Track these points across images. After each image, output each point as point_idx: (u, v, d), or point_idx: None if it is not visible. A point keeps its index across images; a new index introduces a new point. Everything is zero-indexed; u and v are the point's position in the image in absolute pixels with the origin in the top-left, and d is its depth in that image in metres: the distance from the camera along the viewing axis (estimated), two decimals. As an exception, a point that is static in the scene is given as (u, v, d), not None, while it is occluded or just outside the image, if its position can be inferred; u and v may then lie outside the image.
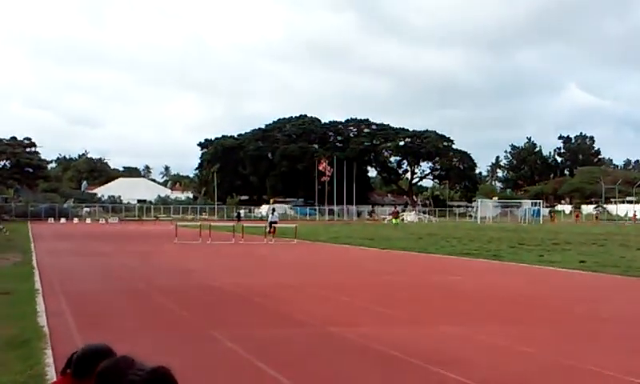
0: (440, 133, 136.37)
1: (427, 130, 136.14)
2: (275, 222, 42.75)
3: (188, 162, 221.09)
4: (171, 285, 16.34)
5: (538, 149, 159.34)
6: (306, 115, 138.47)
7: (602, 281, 18.38)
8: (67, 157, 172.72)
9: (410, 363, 8.05)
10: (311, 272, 20.47)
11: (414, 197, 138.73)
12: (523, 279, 18.86)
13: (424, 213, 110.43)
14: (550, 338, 9.88)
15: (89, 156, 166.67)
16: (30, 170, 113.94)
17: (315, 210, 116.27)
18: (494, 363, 8.21)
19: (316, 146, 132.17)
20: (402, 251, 29.60)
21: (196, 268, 21.19)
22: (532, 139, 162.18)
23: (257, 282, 17.31)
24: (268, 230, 40.67)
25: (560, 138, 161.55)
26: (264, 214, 44.39)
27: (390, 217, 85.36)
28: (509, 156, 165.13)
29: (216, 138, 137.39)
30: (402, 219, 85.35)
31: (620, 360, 8.36)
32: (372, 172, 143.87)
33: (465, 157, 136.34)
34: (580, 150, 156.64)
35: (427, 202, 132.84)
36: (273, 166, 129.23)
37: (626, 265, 21.86)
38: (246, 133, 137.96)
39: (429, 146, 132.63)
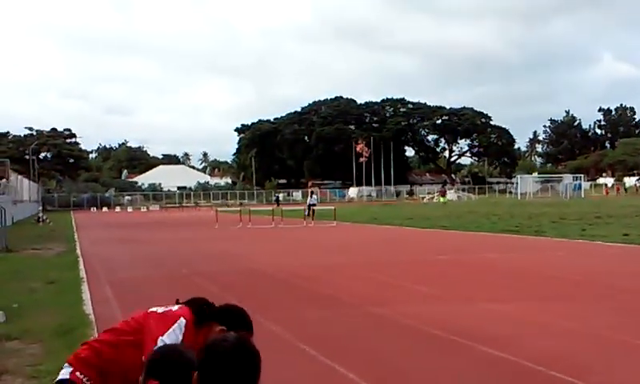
0: (477, 109, 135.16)
1: (464, 107, 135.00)
2: (314, 205, 42.83)
3: (226, 148, 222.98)
4: (213, 269, 16.47)
5: (577, 122, 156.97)
6: (341, 97, 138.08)
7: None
8: (107, 146, 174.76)
9: (453, 341, 8.03)
10: (351, 253, 20.46)
11: (453, 175, 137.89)
12: (565, 254, 18.67)
13: (463, 191, 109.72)
14: (593, 313, 9.77)
15: (128, 145, 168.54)
16: (72, 161, 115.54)
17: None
18: (536, 340, 8.14)
19: (352, 127, 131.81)
20: (442, 230, 29.47)
21: (237, 252, 21.34)
22: (571, 112, 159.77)
23: (297, 263, 17.39)
24: (307, 212, 40.76)
25: (600, 110, 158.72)
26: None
27: (437, 195, 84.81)
28: (548, 130, 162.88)
29: (252, 123, 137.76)
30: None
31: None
32: (409, 151, 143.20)
33: (503, 133, 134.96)
34: (621, 122, 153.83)
35: (466, 179, 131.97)
36: (310, 149, 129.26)
37: (671, 236, 21.55)
38: (281, 117, 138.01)
39: (466, 123, 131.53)
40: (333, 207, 41.55)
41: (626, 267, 15.50)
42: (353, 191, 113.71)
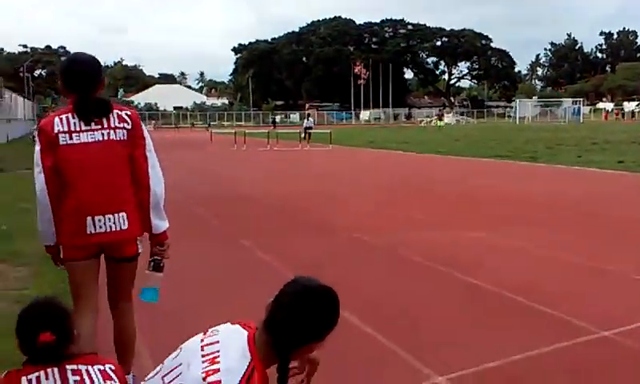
0: (478, 31, 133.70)
1: (465, 29, 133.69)
2: (310, 128, 42.62)
3: (223, 69, 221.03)
4: (205, 194, 16.39)
5: (578, 46, 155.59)
6: (340, 17, 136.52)
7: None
8: (103, 64, 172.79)
9: (432, 269, 8.01)
10: (344, 178, 20.39)
11: (452, 98, 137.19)
12: (558, 181, 18.62)
13: (462, 114, 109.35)
14: (577, 241, 9.74)
15: (124, 63, 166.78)
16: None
17: (351, 114, 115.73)
18: (516, 268, 8.12)
19: (351, 48, 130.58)
20: (437, 155, 29.39)
21: (229, 176, 21.27)
22: (572, 36, 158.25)
23: (289, 189, 17.30)
24: (303, 135, 40.60)
25: (601, 34, 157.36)
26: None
27: (435, 118, 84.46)
28: (549, 53, 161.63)
29: (250, 43, 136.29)
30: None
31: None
32: (408, 74, 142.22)
33: (504, 55, 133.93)
34: (622, 46, 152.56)
35: (465, 103, 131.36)
36: (308, 70, 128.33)
37: (667, 164, 21.48)
38: (279, 37, 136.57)
39: (466, 45, 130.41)
40: (329, 130, 41.33)
41: (617, 195, 15.45)
42: (365, 114, 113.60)
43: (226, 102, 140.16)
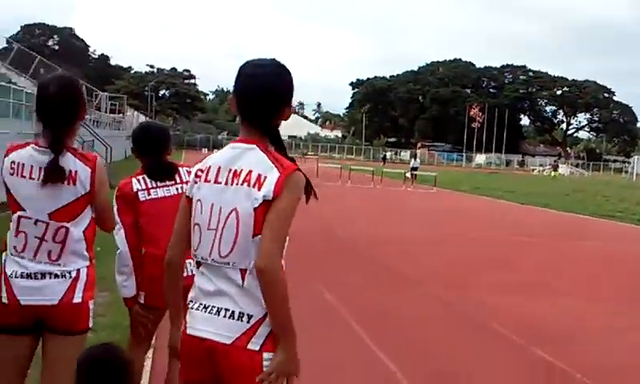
0: (601, 83, 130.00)
1: (587, 80, 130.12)
2: (416, 168, 42.31)
3: (340, 101, 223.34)
4: (291, 228, 16.42)
5: None
6: (460, 59, 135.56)
7: None
8: (224, 89, 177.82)
9: (509, 340, 7.65)
10: (440, 225, 20.06)
11: (568, 148, 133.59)
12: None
13: (577, 166, 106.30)
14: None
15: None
16: (188, 101, 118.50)
17: (462, 156, 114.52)
18: (603, 349, 7.68)
19: (468, 90, 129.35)
20: (542, 208, 28.53)
21: (325, 212, 21.17)
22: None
23: (380, 232, 17.14)
24: (408, 175, 40.29)
25: None
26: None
27: (550, 168, 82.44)
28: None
29: (368, 79, 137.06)
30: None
31: None
32: (524, 120, 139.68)
33: (626, 110, 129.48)
34: None
35: (581, 154, 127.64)
36: (423, 110, 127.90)
37: None
38: (397, 74, 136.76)
39: (588, 96, 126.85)
40: (435, 173, 40.86)
41: None
42: (480, 158, 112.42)
43: (340, 135, 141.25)
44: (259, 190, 2.65)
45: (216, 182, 2.74)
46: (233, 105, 2.82)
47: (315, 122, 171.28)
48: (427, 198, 31.30)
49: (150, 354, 6.19)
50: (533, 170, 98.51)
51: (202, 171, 2.82)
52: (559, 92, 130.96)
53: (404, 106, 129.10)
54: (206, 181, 2.78)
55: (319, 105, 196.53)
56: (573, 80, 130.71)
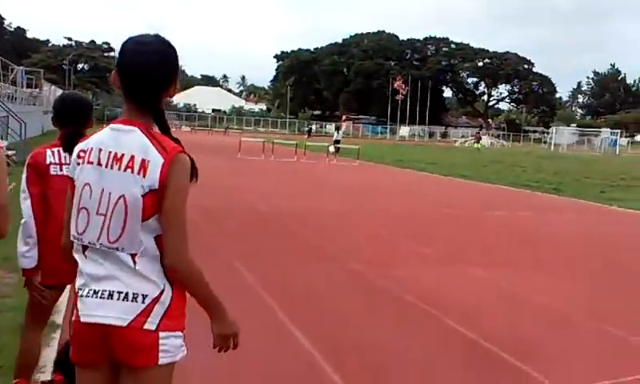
0: (521, 55, 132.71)
1: (508, 52, 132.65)
2: (338, 141, 42.53)
3: (265, 74, 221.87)
4: (214, 205, 16.35)
5: (621, 76, 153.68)
6: (383, 31, 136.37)
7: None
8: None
9: (423, 312, 7.83)
10: (361, 198, 20.24)
11: (489, 120, 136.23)
12: (574, 217, 18.33)
13: (497, 137, 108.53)
14: (571, 290, 9.50)
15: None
16: (108, 75, 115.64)
17: (386, 128, 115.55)
18: (506, 315, 7.95)
19: (392, 63, 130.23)
20: (461, 179, 29.08)
21: (246, 187, 21.14)
22: (616, 65, 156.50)
23: (300, 206, 17.26)
24: (332, 148, 40.45)
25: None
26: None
27: (473, 140, 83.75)
28: (591, 82, 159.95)
29: (292, 51, 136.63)
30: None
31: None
32: (447, 92, 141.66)
33: (545, 81, 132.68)
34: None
35: (502, 125, 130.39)
36: (347, 82, 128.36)
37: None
38: (322, 47, 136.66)
39: (508, 68, 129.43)
40: (357, 146, 41.09)
41: (630, 237, 15.12)
42: (404, 130, 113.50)
43: (264, 108, 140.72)
44: (144, 177, 2.63)
45: (99, 164, 2.71)
46: (115, 81, 2.77)
47: (240, 95, 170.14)
48: (349, 171, 31.52)
49: (56, 334, 6.18)
50: (455, 141, 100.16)
51: (84, 152, 2.77)
52: (481, 64, 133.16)
53: (328, 78, 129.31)
54: (88, 162, 2.74)
55: (243, 78, 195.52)
56: (494, 52, 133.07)
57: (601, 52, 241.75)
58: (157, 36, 2.82)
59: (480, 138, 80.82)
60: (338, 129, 48.22)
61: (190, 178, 2.74)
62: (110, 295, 2.67)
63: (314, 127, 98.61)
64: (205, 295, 2.79)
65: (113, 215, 2.67)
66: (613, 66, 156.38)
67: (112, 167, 2.67)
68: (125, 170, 2.65)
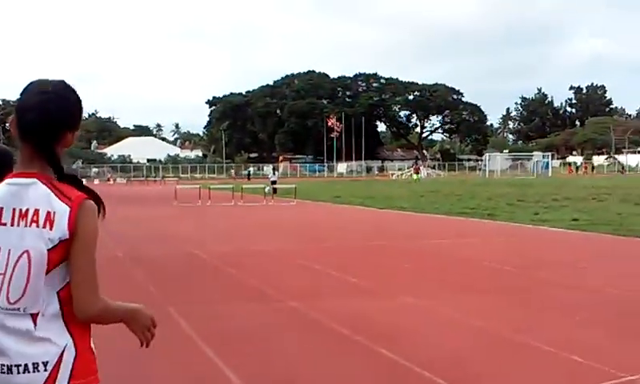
0: (449, 85, 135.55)
1: (436, 83, 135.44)
2: (275, 182, 42.67)
3: (199, 120, 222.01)
4: (150, 253, 16.22)
5: (549, 100, 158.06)
6: (314, 71, 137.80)
7: (590, 241, 18.10)
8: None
9: (355, 342, 7.87)
10: (297, 237, 20.33)
11: (424, 151, 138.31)
12: (507, 242, 18.64)
13: (433, 168, 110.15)
14: (505, 310, 9.66)
15: (98, 115, 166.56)
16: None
17: (324, 166, 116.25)
18: (441, 340, 8.04)
19: (325, 101, 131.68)
20: (398, 211, 29.40)
21: (183, 234, 21.02)
22: (542, 90, 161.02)
23: (237, 248, 17.21)
24: (267, 190, 40.55)
25: (571, 88, 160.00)
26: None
27: (411, 171, 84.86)
28: (519, 108, 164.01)
29: (224, 96, 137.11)
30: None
31: (570, 335, 8.14)
32: (381, 127, 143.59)
33: (475, 109, 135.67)
34: (591, 101, 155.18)
35: (437, 156, 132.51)
36: (282, 123, 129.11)
37: (619, 223, 21.52)
38: (254, 90, 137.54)
39: (438, 99, 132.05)
40: (294, 185, 41.30)
41: (557, 256, 15.44)
42: (342, 166, 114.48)
43: (200, 154, 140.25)
44: (51, 229, 2.52)
45: (2, 224, 2.56)
46: (13, 126, 2.64)
47: (174, 142, 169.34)
48: (286, 210, 31.60)
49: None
50: (392, 174, 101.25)
51: None
52: (411, 97, 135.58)
53: (262, 120, 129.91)
54: None
55: (177, 125, 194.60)
56: (423, 84, 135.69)
57: (527, 78, 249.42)
58: (61, 81, 2.72)
59: (419, 170, 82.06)
60: (274, 169, 48.44)
61: (97, 215, 2.65)
62: (9, 370, 2.50)
63: (251, 169, 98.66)
64: (117, 318, 2.72)
65: (14, 273, 2.52)
66: (540, 90, 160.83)
67: (17, 224, 2.54)
68: (30, 225, 2.53)
